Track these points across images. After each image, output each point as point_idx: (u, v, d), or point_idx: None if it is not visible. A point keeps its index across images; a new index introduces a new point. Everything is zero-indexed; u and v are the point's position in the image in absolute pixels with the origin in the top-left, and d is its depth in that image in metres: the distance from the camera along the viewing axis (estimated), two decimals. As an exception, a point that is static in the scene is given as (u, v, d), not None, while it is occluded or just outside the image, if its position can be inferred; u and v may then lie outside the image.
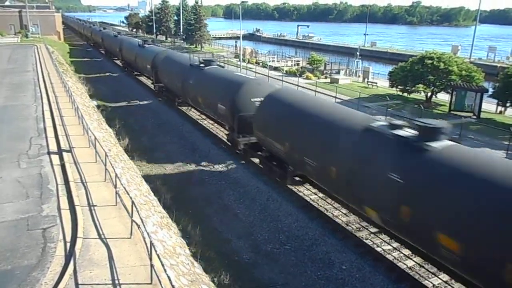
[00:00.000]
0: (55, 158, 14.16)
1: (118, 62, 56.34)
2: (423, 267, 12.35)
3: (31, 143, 15.82)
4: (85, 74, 46.08)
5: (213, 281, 10.32)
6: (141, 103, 34.25)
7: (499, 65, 57.12)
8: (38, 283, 7.80)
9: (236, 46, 73.48)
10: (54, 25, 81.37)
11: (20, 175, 12.74)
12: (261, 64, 55.73)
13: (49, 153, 14.70)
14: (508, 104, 30.26)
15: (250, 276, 12.14)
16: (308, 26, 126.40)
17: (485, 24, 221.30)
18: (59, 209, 10.63)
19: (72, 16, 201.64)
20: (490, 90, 31.86)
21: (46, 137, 16.42)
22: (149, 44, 41.69)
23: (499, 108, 32.53)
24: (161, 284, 7.45)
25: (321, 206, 16.07)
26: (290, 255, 13.14)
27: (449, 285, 11.61)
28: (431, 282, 11.71)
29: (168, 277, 6.84)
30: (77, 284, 7.71)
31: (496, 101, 31.82)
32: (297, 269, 12.50)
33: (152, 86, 38.06)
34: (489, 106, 32.59)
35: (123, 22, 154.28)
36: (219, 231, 14.62)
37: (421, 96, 35.31)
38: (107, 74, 49.18)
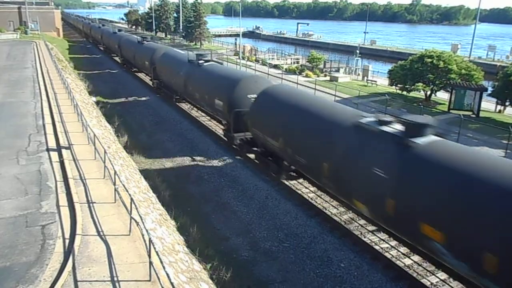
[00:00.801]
0: (54, 155, 14.16)
1: (141, 75, 42.73)
2: (421, 265, 12.38)
3: (30, 140, 15.81)
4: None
5: (212, 278, 10.35)
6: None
7: (498, 64, 57.12)
8: (37, 280, 7.80)
9: (235, 43, 73.39)
10: (54, 21, 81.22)
11: (19, 171, 12.73)
12: (260, 62, 55.70)
13: (48, 150, 14.69)
14: (507, 103, 30.29)
15: (249, 274, 12.16)
16: (308, 24, 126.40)
17: (484, 23, 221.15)
18: (58, 206, 10.63)
19: (72, 13, 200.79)
20: (490, 89, 31.89)
21: (45, 134, 16.41)
22: (207, 61, 25.75)
23: (498, 107, 32.56)
24: (160, 281, 7.45)
25: (319, 204, 16.09)
26: (288, 253, 13.16)
27: (446, 283, 11.64)
28: (429, 281, 11.74)
29: (167, 274, 6.85)
30: (76, 281, 7.72)
31: (495, 100, 31.85)
32: (295, 266, 12.53)
33: (218, 129, 24.79)
34: (488, 105, 32.63)
35: (122, 19, 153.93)
36: (217, 229, 14.64)
37: (421, 94, 35.33)
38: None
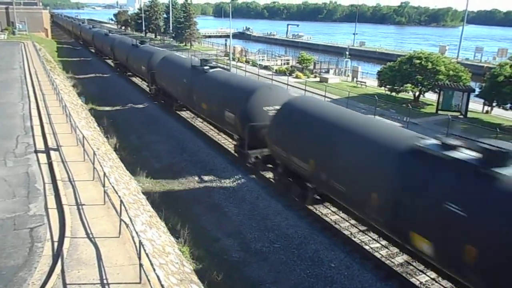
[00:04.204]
0: (42, 157, 14.01)
1: (135, 80, 41.13)
2: (411, 264, 12.49)
3: (17, 141, 15.62)
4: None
5: (202, 280, 10.32)
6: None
7: (485, 65, 57.88)
8: (25, 283, 7.71)
9: (226, 44, 73.32)
10: (42, 22, 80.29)
11: (6, 174, 12.57)
12: (251, 63, 55.74)
13: (36, 151, 14.53)
14: (494, 104, 30.68)
15: (239, 275, 12.16)
16: (297, 25, 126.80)
17: (472, 24, 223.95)
18: (46, 208, 10.52)
19: (60, 13, 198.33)
20: (477, 90, 32.29)
21: (33, 136, 16.23)
22: (212, 67, 23.74)
23: (486, 108, 32.98)
24: (150, 283, 7.43)
25: (310, 204, 16.12)
26: (279, 254, 13.18)
27: (436, 282, 11.77)
28: (418, 280, 11.85)
29: (157, 276, 6.83)
30: (64, 284, 7.65)
31: (482, 100, 32.25)
32: (286, 267, 12.55)
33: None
34: (475, 105, 33.04)
35: (111, 19, 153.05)
36: (208, 230, 14.61)
37: (409, 95, 35.66)
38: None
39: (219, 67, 24.75)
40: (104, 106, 31.48)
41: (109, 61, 52.45)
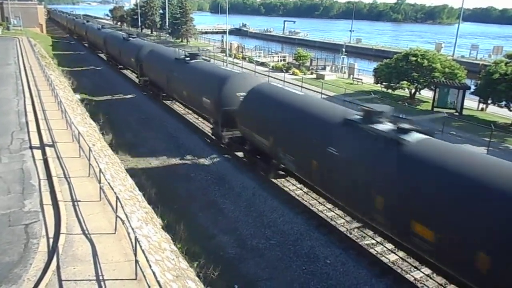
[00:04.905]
0: (38, 153, 13.94)
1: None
2: (406, 261, 12.56)
3: (12, 137, 15.52)
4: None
5: (198, 276, 10.33)
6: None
7: (481, 63, 58.05)
8: (20, 280, 7.69)
9: (222, 41, 73.14)
10: (37, 17, 79.74)
11: (1, 170, 12.49)
12: (247, 59, 55.65)
13: (31, 147, 14.45)
14: (489, 101, 30.83)
15: (235, 271, 12.18)
16: (294, 22, 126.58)
17: (468, 22, 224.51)
18: (41, 204, 10.47)
19: (55, 8, 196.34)
20: (472, 88, 32.41)
21: (28, 132, 16.13)
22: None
23: (481, 105, 33.13)
24: (146, 280, 7.42)
25: (306, 201, 16.18)
26: (275, 250, 13.22)
27: (430, 278, 11.84)
28: (413, 276, 11.92)
29: (153, 272, 6.82)
30: (60, 281, 7.63)
31: (478, 98, 32.39)
32: (282, 263, 12.59)
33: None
34: (471, 103, 33.18)
35: (107, 15, 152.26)
36: (204, 227, 14.62)
37: (405, 92, 35.74)
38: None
39: (418, 130, 11.76)
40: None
41: (127, 72, 43.17)
